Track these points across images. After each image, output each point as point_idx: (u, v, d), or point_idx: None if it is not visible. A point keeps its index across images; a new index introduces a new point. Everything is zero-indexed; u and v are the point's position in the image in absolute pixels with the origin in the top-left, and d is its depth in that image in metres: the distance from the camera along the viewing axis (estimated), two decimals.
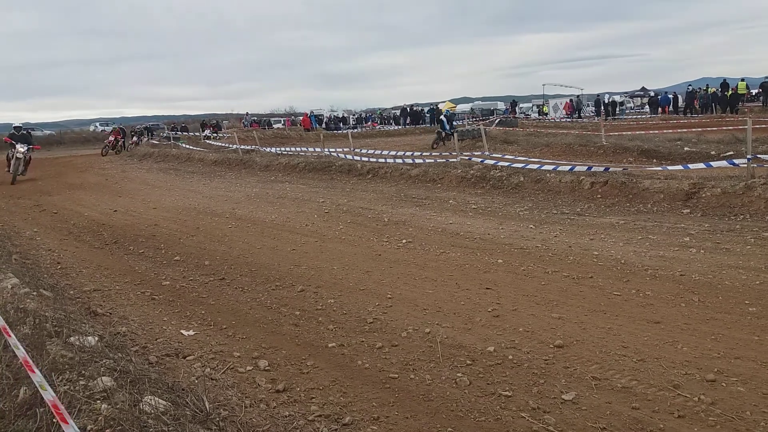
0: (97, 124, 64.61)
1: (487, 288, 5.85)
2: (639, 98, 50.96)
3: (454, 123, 27.52)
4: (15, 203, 14.04)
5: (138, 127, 48.33)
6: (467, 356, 4.32)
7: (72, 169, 23.31)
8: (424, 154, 16.95)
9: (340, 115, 54.85)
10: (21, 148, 19.00)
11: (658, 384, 3.73)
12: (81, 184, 17.91)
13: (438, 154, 17.34)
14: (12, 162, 19.27)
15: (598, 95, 47.00)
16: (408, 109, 50.59)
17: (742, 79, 34.10)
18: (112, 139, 31.93)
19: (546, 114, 45.31)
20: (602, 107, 40.23)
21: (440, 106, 54.19)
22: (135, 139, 34.48)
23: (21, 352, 3.01)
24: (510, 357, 4.27)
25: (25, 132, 20.12)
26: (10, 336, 3.29)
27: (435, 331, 4.83)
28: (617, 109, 41.96)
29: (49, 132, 49.46)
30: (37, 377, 2.73)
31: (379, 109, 64.80)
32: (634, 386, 3.73)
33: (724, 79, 35.04)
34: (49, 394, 2.53)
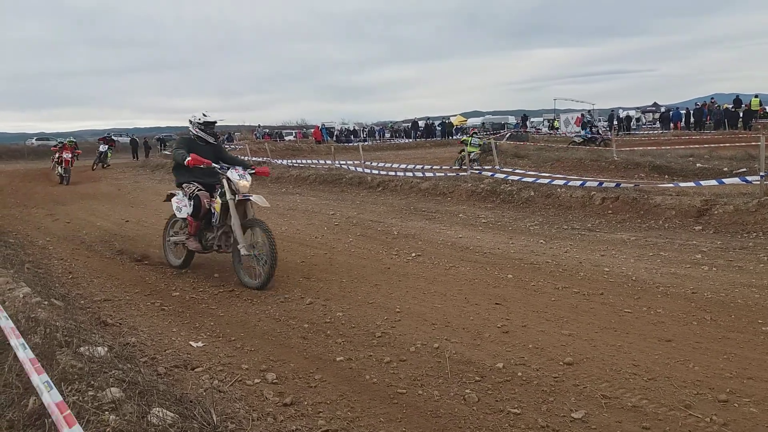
0: (111, 134, 65.27)
1: (497, 303, 5.82)
2: (651, 113, 50.84)
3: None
4: (28, 212, 14.17)
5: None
6: (476, 372, 4.30)
7: (85, 179, 23.54)
8: (434, 167, 16.98)
9: (351, 128, 55.09)
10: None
11: (669, 403, 3.69)
12: (94, 193, 18.06)
13: (448, 167, 17.35)
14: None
15: (612, 110, 46.95)
16: (418, 122, 50.75)
17: (756, 96, 33.92)
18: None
19: (557, 129, 45.24)
20: (615, 122, 40.19)
21: (452, 119, 54.34)
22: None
23: (22, 354, 3.03)
24: (519, 374, 4.24)
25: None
26: (19, 337, 3.31)
27: (444, 346, 4.81)
28: (633, 124, 41.96)
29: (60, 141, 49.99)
30: (35, 379, 2.74)
31: (390, 122, 65.01)
32: (644, 405, 3.69)
33: (737, 95, 34.86)
34: (47, 397, 2.53)
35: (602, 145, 23.84)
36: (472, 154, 17.63)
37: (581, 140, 26.26)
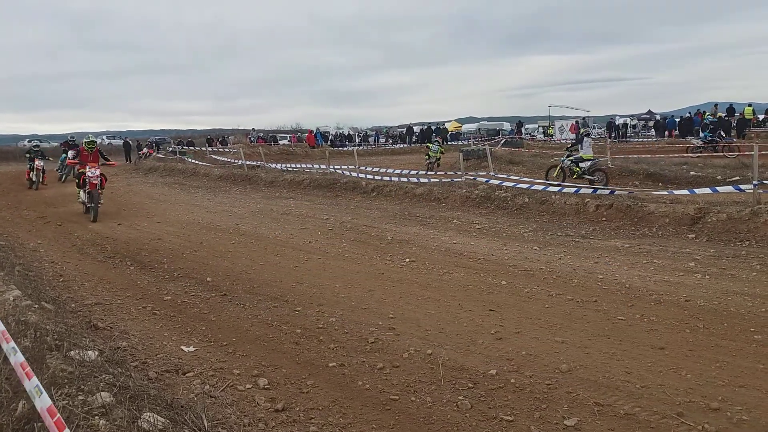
0: (104, 137, 65.06)
1: (491, 310, 5.82)
2: (645, 121, 51.09)
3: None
4: (20, 215, 14.09)
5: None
6: (469, 379, 4.29)
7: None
8: (429, 173, 17.01)
9: (346, 133, 55.08)
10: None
11: (661, 411, 3.68)
12: None
13: (443, 173, 17.39)
14: None
15: (611, 117, 47.17)
16: (413, 127, 50.82)
17: (749, 104, 34.11)
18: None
19: (551, 135, 45.35)
20: (613, 129, 40.51)
21: (446, 125, 54.44)
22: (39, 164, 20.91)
23: (14, 358, 3.00)
24: (512, 381, 4.22)
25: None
26: (9, 342, 3.28)
27: (437, 352, 4.79)
28: (629, 131, 42.32)
29: (56, 144, 49.75)
30: (27, 385, 2.71)
31: (386, 127, 65.05)
32: (637, 413, 3.69)
33: (731, 104, 35.03)
34: (40, 402, 2.50)
35: (726, 150, 20.89)
36: (431, 157, 21.51)
37: (700, 143, 22.92)
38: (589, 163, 14.72)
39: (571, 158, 15.02)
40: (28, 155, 21.80)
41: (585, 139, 16.46)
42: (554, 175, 15.14)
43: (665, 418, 3.60)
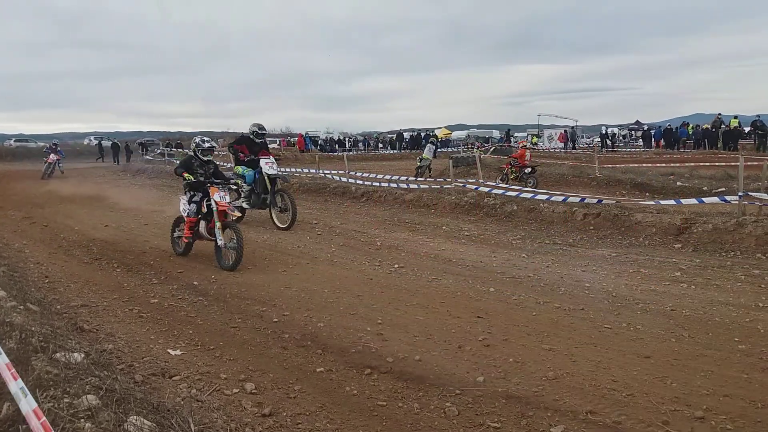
0: (92, 137, 64.53)
1: (478, 317, 5.83)
2: (633, 131, 51.58)
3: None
4: (5, 215, 13.94)
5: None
6: (456, 386, 4.29)
7: (65, 183, 23.21)
8: (419, 179, 17.05)
9: (336, 138, 55.05)
10: None
11: (647, 420, 3.71)
12: (72, 197, 17.80)
13: (432, 179, 17.45)
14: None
15: (606, 127, 47.61)
16: (403, 134, 50.94)
17: (735, 117, 34.49)
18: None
19: (535, 144, 45.59)
20: (606, 139, 41.00)
21: (437, 132, 54.59)
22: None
23: (2, 359, 2.97)
24: (499, 388, 4.24)
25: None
26: None
27: (425, 358, 4.80)
28: (618, 141, 42.89)
29: (43, 144, 49.29)
30: (13, 387, 2.69)
31: (376, 132, 65.15)
32: (623, 421, 3.71)
33: (719, 115, 35.37)
34: (26, 404, 2.48)
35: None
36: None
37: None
38: (424, 162, 21.94)
39: (419, 158, 22.79)
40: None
41: (428, 145, 24.03)
42: (415, 169, 21.96)
43: (651, 427, 3.63)
